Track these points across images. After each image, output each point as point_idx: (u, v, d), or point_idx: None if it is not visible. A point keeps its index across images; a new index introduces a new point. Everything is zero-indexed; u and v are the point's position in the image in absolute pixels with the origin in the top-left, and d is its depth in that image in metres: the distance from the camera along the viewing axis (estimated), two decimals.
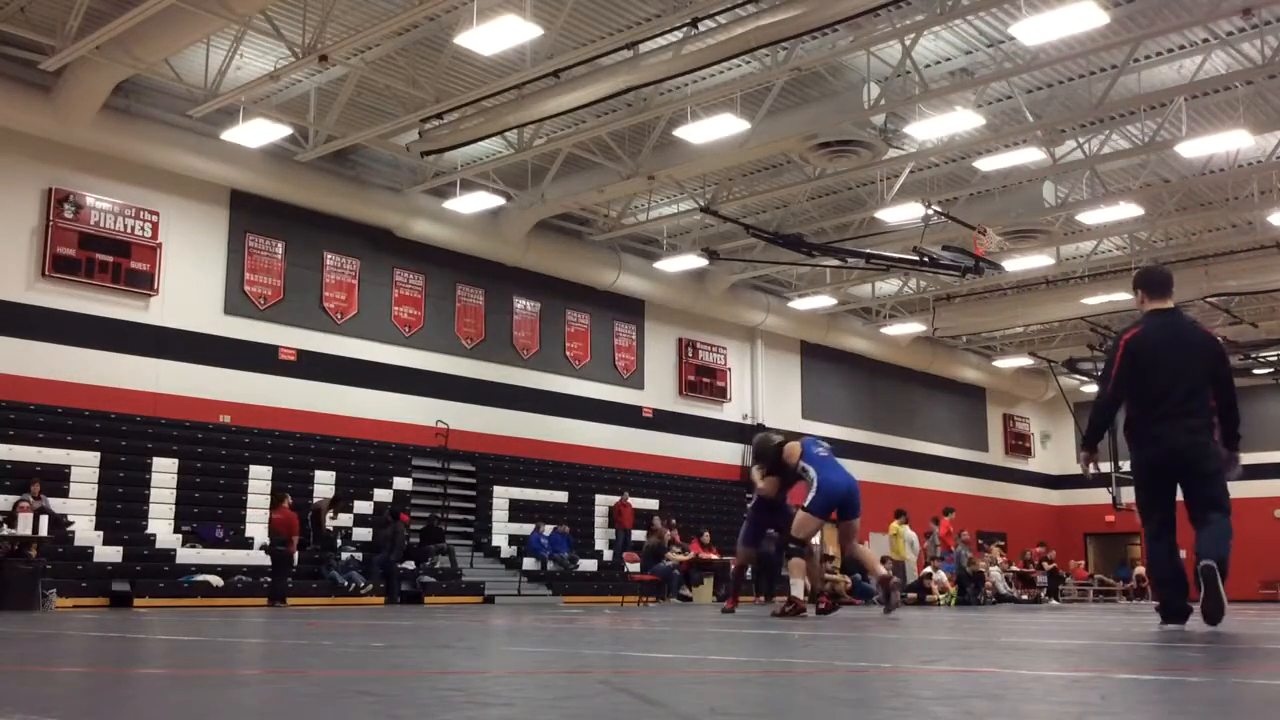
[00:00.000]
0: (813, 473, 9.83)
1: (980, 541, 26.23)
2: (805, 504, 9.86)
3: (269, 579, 16.51)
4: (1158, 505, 6.57)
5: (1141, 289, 6.84)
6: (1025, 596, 23.32)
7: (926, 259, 19.37)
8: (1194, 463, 6.39)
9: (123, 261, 17.49)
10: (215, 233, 18.80)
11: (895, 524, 21.22)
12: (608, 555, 22.68)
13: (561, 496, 22.79)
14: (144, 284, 17.73)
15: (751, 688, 3.57)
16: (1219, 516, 6.29)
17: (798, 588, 10.11)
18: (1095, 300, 25.71)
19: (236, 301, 18.89)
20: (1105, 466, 6.73)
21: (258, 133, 16.90)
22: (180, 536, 17.13)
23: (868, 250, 20.23)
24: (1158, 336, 6.49)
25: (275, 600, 15.98)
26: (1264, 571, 31.72)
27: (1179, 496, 6.56)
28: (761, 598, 19.65)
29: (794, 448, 10.16)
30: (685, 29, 14.00)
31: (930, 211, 19.70)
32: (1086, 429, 6.87)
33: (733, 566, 12.63)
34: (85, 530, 16.18)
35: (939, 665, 4.45)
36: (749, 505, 12.09)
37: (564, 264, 23.03)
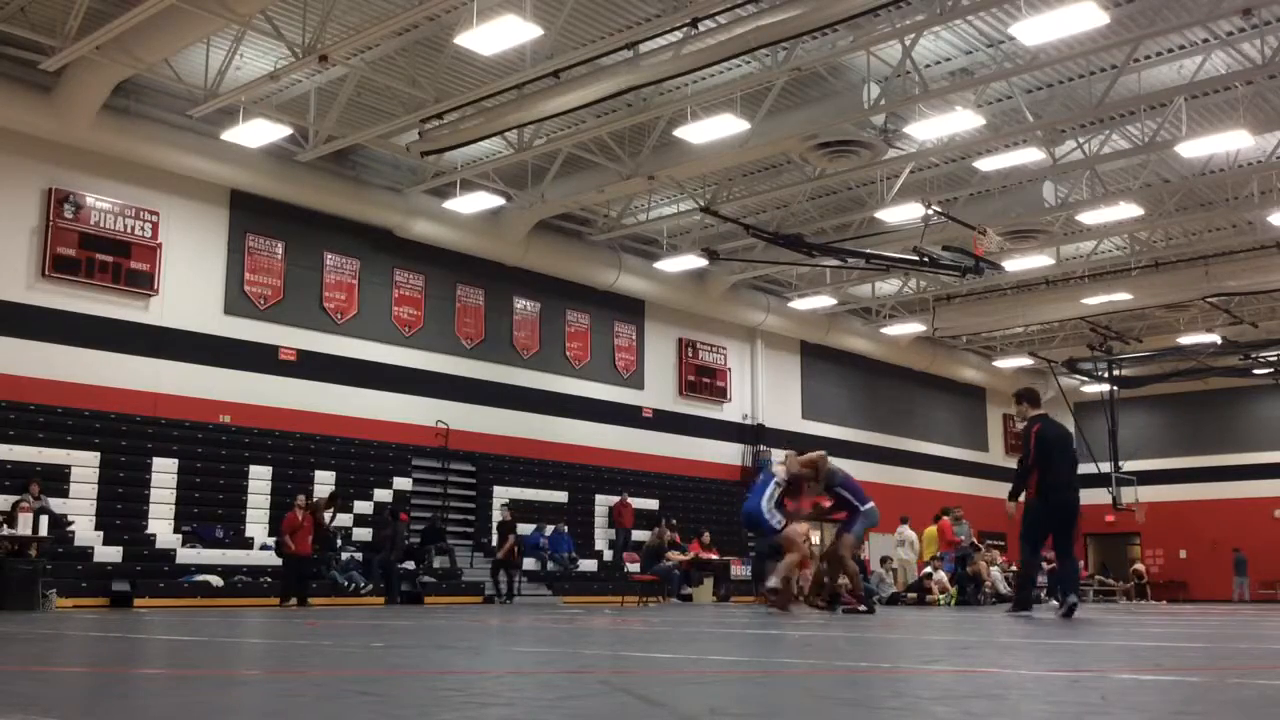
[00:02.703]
0: None
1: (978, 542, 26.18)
2: None
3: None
4: (1042, 537, 10.15)
5: (1026, 402, 10.39)
6: None
7: (926, 259, 19.36)
8: (1073, 514, 10.04)
9: (123, 261, 17.49)
10: (215, 233, 18.80)
11: (907, 528, 21.26)
12: (608, 555, 22.68)
13: (561, 496, 22.78)
14: (144, 284, 17.72)
15: (751, 688, 3.57)
16: (1072, 553, 10.33)
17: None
18: (1095, 300, 25.71)
19: (236, 301, 18.89)
20: (1010, 507, 10.66)
21: (258, 133, 16.90)
22: (180, 536, 17.12)
23: (868, 250, 20.22)
24: (1052, 431, 10.15)
25: (286, 600, 16.00)
26: (1264, 571, 31.76)
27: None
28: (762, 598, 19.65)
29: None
30: (685, 29, 13.99)
31: (930, 211, 19.68)
32: (1012, 488, 10.37)
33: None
34: (85, 530, 16.17)
35: (939, 665, 4.45)
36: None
37: (564, 264, 23.02)
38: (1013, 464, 38.36)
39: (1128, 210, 20.70)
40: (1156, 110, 17.44)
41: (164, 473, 17.42)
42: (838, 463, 12.24)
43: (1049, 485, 9.83)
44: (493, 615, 11.43)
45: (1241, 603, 29.01)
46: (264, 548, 17.75)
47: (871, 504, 11.70)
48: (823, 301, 26.90)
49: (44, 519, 14.07)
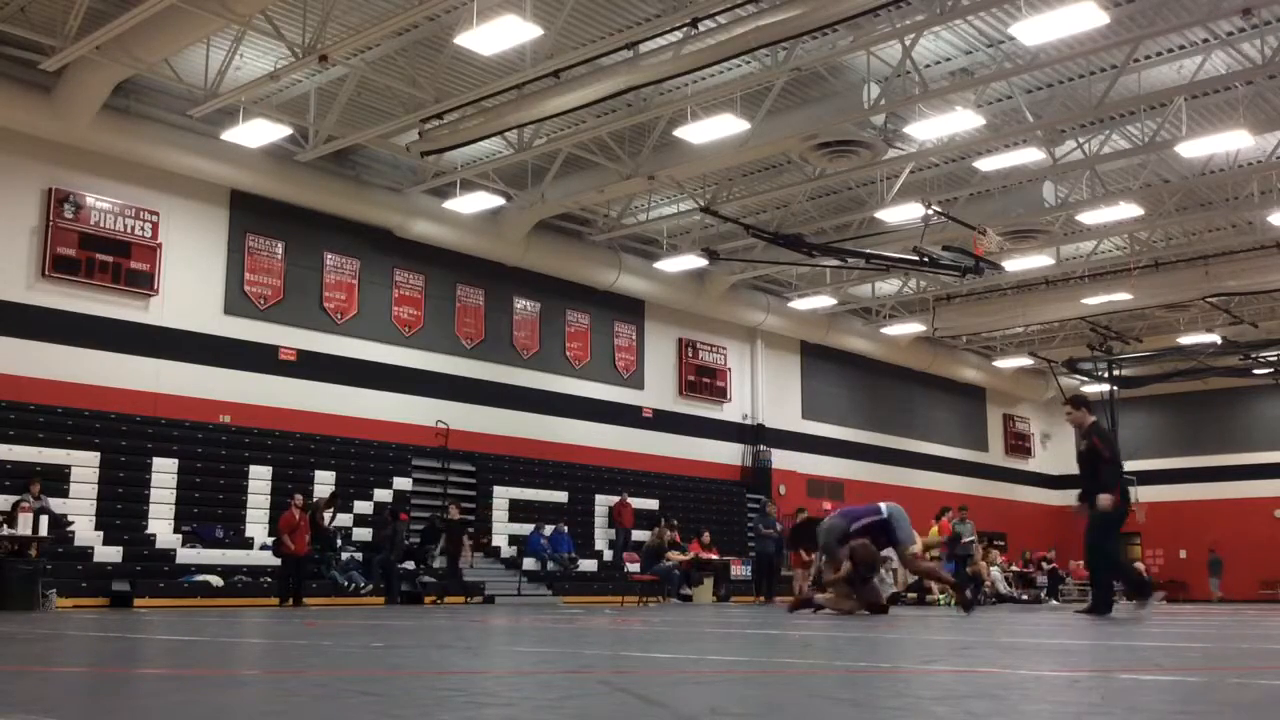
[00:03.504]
0: None
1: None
2: None
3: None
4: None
5: (1085, 407, 10.77)
6: (1025, 596, 23.31)
7: (926, 259, 19.35)
8: None
9: (123, 261, 17.49)
10: (215, 233, 18.80)
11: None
12: (608, 555, 22.67)
13: (561, 496, 22.77)
14: (144, 284, 17.72)
15: (751, 688, 3.57)
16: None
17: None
18: (1095, 300, 25.70)
19: (236, 301, 18.89)
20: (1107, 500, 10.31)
21: (258, 133, 16.90)
22: (180, 536, 17.13)
23: (868, 250, 20.21)
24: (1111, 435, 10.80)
25: (285, 600, 16.04)
26: (1264, 571, 31.77)
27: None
28: (762, 598, 19.67)
29: None
30: (685, 29, 13.99)
31: (930, 211, 19.68)
32: (1103, 486, 10.01)
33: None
34: (85, 530, 16.17)
35: (939, 665, 4.45)
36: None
37: (564, 264, 23.02)
38: (1013, 464, 38.35)
39: (1128, 210, 20.70)
40: (1156, 110, 17.44)
41: (164, 473, 17.41)
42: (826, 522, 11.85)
43: (1123, 488, 10.37)
44: (491, 615, 11.43)
45: (1216, 602, 29.01)
46: (264, 548, 17.74)
47: (882, 508, 11.37)
48: (823, 301, 26.89)
49: (44, 519, 14.08)
